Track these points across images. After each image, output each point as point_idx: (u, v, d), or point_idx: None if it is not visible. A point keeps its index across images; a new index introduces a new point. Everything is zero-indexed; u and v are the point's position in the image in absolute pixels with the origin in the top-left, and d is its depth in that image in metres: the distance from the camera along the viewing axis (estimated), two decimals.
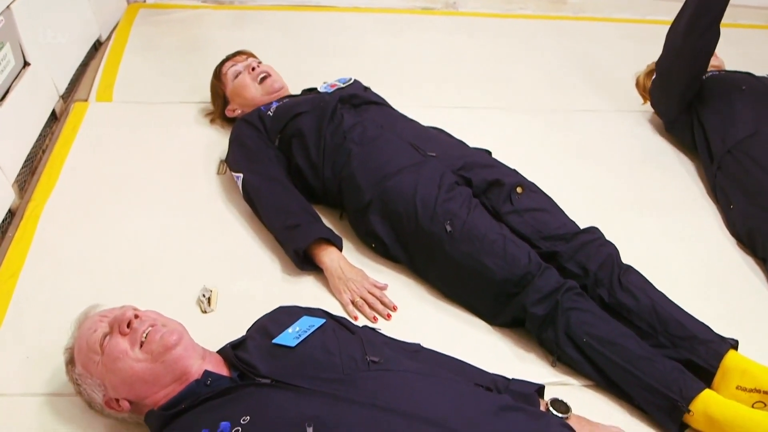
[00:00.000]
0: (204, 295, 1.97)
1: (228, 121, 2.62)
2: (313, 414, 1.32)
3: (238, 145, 2.35)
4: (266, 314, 1.70)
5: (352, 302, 1.99)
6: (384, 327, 1.88)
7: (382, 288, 2.04)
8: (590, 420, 1.65)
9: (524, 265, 1.88)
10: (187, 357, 1.47)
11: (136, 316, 1.49)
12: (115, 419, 1.58)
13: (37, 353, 1.81)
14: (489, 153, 2.36)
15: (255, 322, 1.68)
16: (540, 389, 1.70)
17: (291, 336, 1.55)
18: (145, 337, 1.46)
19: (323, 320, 1.61)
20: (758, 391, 1.70)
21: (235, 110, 2.56)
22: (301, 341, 1.52)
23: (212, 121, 2.71)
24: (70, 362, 1.54)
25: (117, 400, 1.49)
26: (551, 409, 1.62)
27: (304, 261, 2.08)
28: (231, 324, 1.71)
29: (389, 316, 1.97)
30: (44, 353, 1.80)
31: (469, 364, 1.74)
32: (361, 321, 1.96)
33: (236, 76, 2.53)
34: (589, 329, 1.79)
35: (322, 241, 2.08)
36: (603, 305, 1.91)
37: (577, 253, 1.98)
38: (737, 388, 1.72)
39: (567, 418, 1.61)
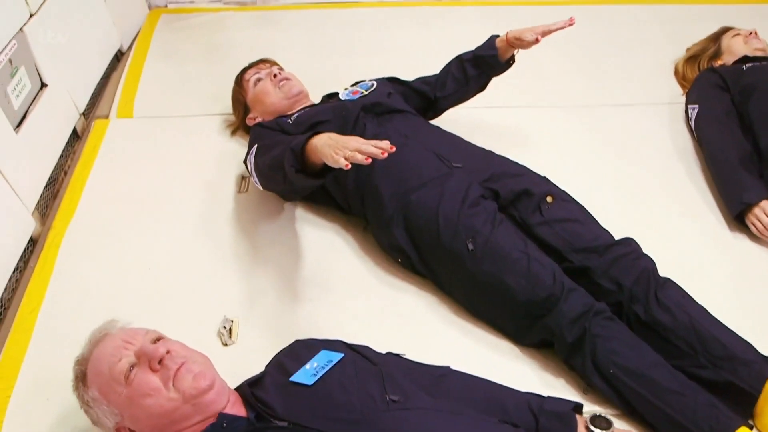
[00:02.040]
0: (225, 327, 1.93)
1: (248, 131, 2.56)
2: None
3: (254, 141, 2.24)
4: (283, 349, 1.65)
5: (346, 158, 1.61)
6: (409, 353, 1.81)
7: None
8: None
9: (548, 286, 1.80)
10: (219, 402, 1.42)
11: (168, 352, 1.42)
12: None
13: (59, 395, 1.77)
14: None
15: (273, 358, 1.63)
16: (577, 407, 1.62)
17: (308, 373, 1.50)
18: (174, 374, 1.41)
19: (341, 354, 1.56)
20: None
21: (255, 118, 2.49)
22: (319, 379, 1.47)
23: (234, 132, 2.66)
24: (82, 381, 1.47)
25: (132, 431, 1.45)
26: (591, 426, 1.55)
27: (306, 174, 1.81)
28: (253, 357, 1.68)
29: (384, 152, 1.59)
30: (65, 394, 1.75)
31: (500, 385, 1.68)
32: (383, 343, 1.83)
33: (257, 83, 2.48)
34: (617, 359, 1.70)
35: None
36: (639, 323, 1.82)
37: (611, 268, 1.89)
38: None
39: None
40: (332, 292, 2.08)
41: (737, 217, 2.26)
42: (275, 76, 2.45)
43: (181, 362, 1.42)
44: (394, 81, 2.50)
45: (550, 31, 2.24)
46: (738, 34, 2.83)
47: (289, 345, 1.66)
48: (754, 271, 2.14)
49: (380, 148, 1.59)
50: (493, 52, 2.37)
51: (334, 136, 1.71)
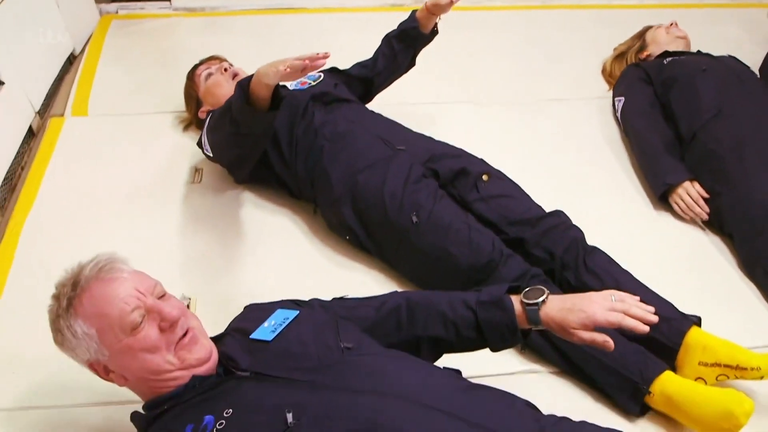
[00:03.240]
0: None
1: (201, 125, 2.66)
2: (292, 401, 1.35)
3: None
4: (237, 315, 1.72)
5: (289, 67, 1.81)
6: None
7: None
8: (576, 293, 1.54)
9: (488, 252, 1.94)
10: (209, 369, 1.48)
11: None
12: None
13: (23, 368, 1.88)
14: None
15: (229, 325, 1.69)
16: (512, 288, 1.58)
17: (267, 330, 1.57)
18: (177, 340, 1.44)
19: (297, 312, 1.63)
20: (719, 365, 1.78)
21: (207, 111, 2.57)
22: (278, 335, 1.54)
23: (186, 127, 2.76)
24: (73, 308, 1.41)
25: (109, 371, 1.46)
26: (526, 301, 1.52)
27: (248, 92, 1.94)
28: (210, 330, 1.74)
29: (320, 55, 1.79)
30: (31, 367, 1.87)
31: (436, 293, 1.70)
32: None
33: (209, 77, 2.57)
34: None
35: None
36: (570, 287, 1.97)
37: (542, 239, 2.05)
38: (699, 363, 1.80)
39: (544, 302, 1.50)
40: (285, 271, 2.20)
41: (661, 197, 2.44)
42: (226, 69, 2.55)
43: (187, 328, 1.46)
44: (335, 71, 2.63)
45: None
46: (660, 26, 3.05)
47: (242, 311, 1.74)
48: (676, 244, 2.33)
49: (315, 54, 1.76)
50: (414, 24, 2.52)
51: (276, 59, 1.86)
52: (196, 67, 2.65)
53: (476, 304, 1.58)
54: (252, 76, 1.90)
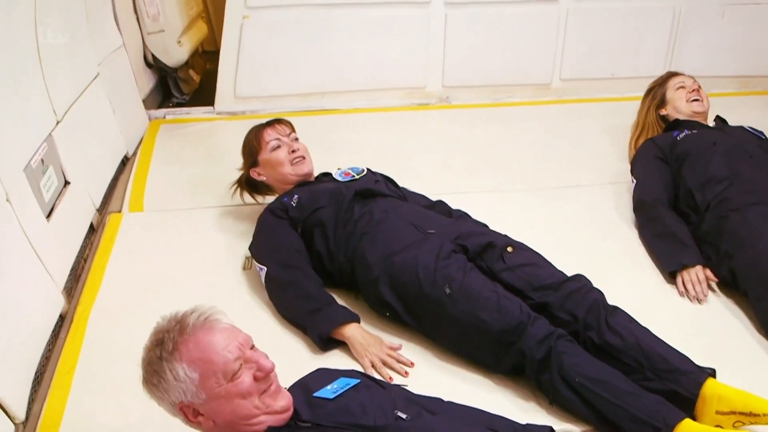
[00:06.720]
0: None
1: (250, 183, 2.90)
2: None
3: (264, 235, 2.59)
4: (308, 374, 1.88)
5: (372, 365, 2.22)
6: None
7: (397, 348, 2.29)
8: None
9: (517, 315, 2.12)
10: (285, 419, 1.64)
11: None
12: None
13: None
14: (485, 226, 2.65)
15: (297, 380, 1.84)
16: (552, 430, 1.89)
17: (329, 391, 1.75)
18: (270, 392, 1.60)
19: (358, 380, 1.81)
20: (734, 413, 1.93)
21: (260, 174, 2.80)
22: (338, 395, 1.72)
23: (234, 192, 2.96)
24: (177, 352, 1.53)
25: (198, 414, 1.58)
26: None
27: (327, 342, 2.32)
28: None
29: (406, 373, 2.20)
30: None
31: (488, 412, 1.92)
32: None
33: (275, 149, 2.77)
34: (581, 370, 2.01)
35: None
36: (594, 346, 2.14)
37: (566, 302, 2.23)
38: (716, 412, 1.95)
39: None
40: (332, 350, 2.35)
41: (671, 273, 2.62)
42: (293, 151, 2.77)
43: (275, 379, 1.62)
44: (388, 179, 2.86)
45: None
46: (682, 87, 3.16)
47: (314, 371, 1.91)
48: (691, 306, 2.51)
49: (404, 365, 2.25)
50: None
51: (364, 334, 2.31)
52: (263, 127, 2.85)
53: (522, 429, 1.85)
54: (332, 326, 2.32)
